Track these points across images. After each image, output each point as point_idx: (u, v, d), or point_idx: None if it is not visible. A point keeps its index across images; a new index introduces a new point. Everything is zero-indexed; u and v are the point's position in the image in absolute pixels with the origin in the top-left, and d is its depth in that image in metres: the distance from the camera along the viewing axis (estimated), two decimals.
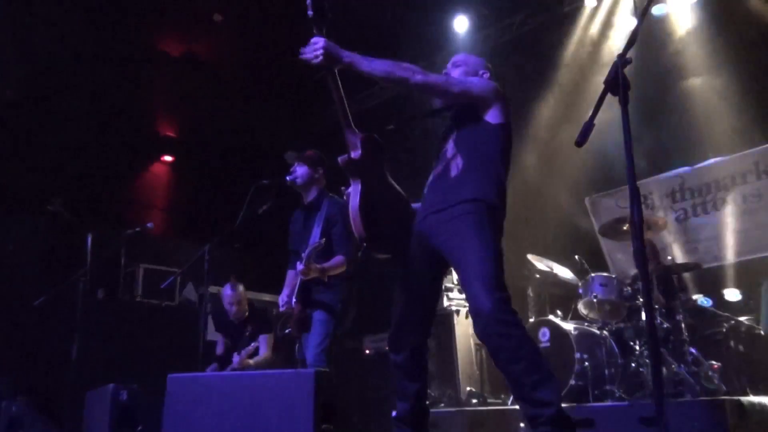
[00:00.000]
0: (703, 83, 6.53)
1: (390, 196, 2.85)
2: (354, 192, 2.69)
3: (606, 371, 4.43)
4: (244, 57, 9.30)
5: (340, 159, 2.72)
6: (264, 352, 5.01)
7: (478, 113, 2.84)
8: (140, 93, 8.83)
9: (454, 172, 2.77)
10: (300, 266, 3.64)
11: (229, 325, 5.22)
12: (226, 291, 5.16)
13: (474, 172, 2.73)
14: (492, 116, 2.82)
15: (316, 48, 2.57)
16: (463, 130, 2.86)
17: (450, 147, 2.87)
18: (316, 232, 3.81)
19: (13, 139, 7.26)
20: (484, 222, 2.60)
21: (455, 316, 6.40)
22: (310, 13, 2.58)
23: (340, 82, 2.63)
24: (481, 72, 3.04)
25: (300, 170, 3.98)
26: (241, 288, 5.21)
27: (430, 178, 2.96)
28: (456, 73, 3.02)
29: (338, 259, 3.78)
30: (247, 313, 5.21)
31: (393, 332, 2.82)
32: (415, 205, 2.97)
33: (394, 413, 4.40)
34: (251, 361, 4.93)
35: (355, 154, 2.70)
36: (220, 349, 5.22)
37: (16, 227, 6.57)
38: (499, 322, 2.41)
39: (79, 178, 7.75)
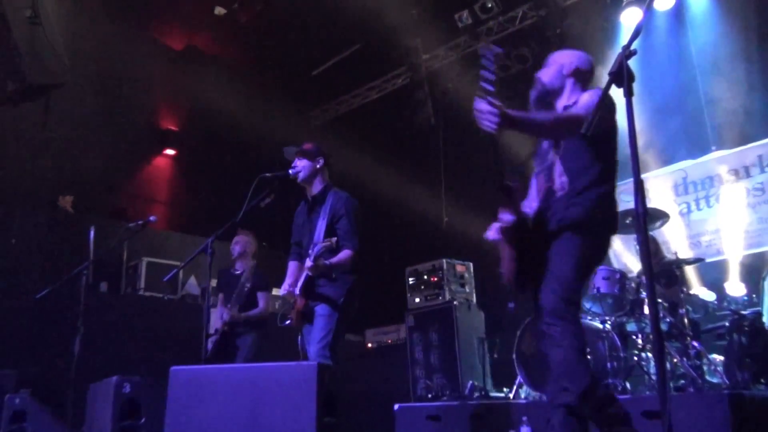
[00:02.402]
0: (708, 76, 6.50)
1: (529, 238, 2.85)
2: (509, 254, 2.81)
3: (608, 365, 4.43)
4: (246, 50, 9.29)
5: (499, 228, 2.81)
6: (261, 308, 5.21)
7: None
8: (142, 86, 8.83)
9: (559, 192, 2.83)
10: (309, 263, 3.62)
11: (229, 279, 5.33)
12: (238, 235, 5.38)
13: (576, 195, 2.77)
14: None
15: (491, 119, 2.48)
16: (567, 144, 2.85)
17: (554, 159, 2.88)
18: (321, 225, 3.79)
19: (15, 133, 7.26)
20: (579, 242, 2.70)
21: (457, 309, 6.40)
22: (487, 85, 2.48)
23: (501, 145, 2.69)
24: (565, 72, 2.99)
25: (301, 164, 3.96)
26: (251, 238, 5.41)
27: (539, 180, 2.99)
28: (546, 76, 3.02)
29: (345, 253, 3.75)
30: (248, 268, 5.33)
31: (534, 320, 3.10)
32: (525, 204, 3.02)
33: (396, 406, 4.41)
34: (243, 315, 5.09)
35: (509, 219, 2.78)
36: (226, 316, 5.24)
37: (19, 220, 6.57)
38: (554, 316, 2.61)
39: (82, 172, 7.75)
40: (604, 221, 2.81)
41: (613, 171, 2.86)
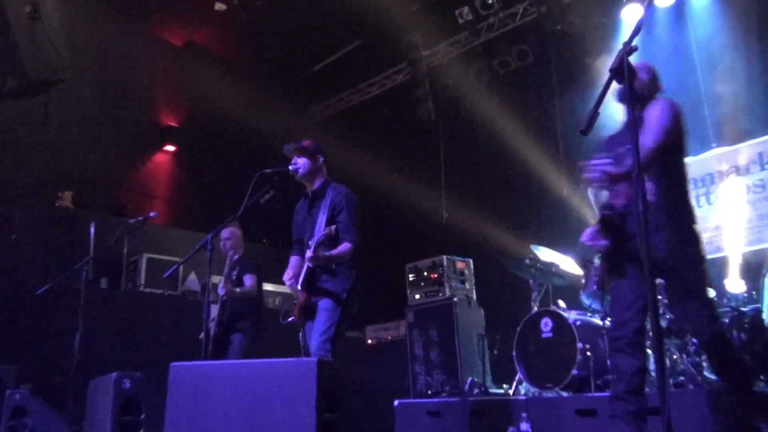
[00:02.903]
0: (708, 72, 6.49)
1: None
2: (602, 264, 3.39)
3: (608, 361, 4.43)
4: (247, 46, 9.28)
5: (593, 241, 3.30)
6: (249, 286, 5.21)
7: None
8: (143, 82, 8.83)
9: (649, 195, 3.00)
10: (309, 253, 3.63)
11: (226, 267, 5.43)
12: (223, 232, 5.36)
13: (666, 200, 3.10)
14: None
15: (595, 177, 2.97)
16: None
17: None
18: (322, 219, 3.79)
19: (15, 129, 7.26)
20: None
21: (456, 305, 6.40)
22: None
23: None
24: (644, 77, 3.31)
25: (300, 161, 3.96)
26: (234, 229, 5.41)
27: (619, 186, 3.20)
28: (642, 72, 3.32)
29: (345, 246, 3.76)
30: (238, 256, 5.39)
31: (617, 318, 3.24)
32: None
33: (396, 402, 4.41)
34: (237, 290, 5.13)
35: (605, 243, 3.26)
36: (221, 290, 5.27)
37: (19, 216, 6.57)
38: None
39: (82, 168, 7.75)
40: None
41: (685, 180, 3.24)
